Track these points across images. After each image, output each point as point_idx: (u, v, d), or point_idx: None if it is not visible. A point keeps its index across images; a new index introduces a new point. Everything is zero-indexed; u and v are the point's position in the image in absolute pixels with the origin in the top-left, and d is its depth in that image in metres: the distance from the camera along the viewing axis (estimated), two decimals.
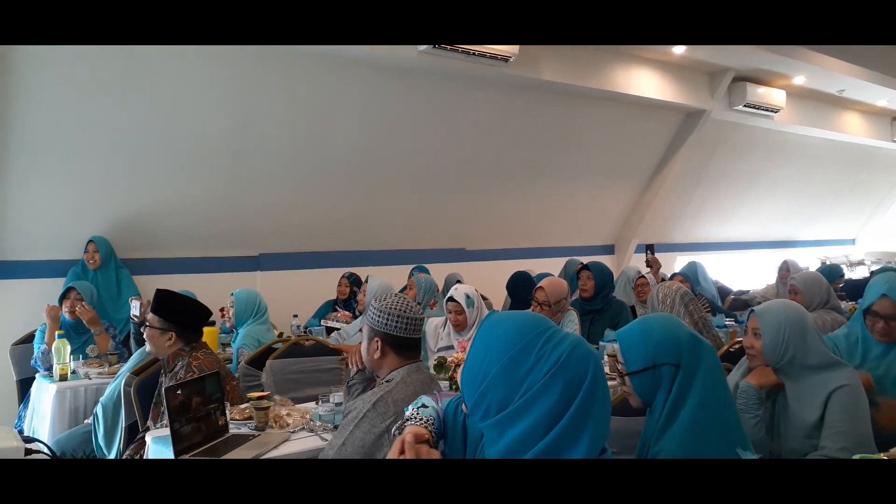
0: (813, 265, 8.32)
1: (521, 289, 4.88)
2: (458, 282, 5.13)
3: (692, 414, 1.67)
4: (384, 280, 4.44)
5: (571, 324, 3.99)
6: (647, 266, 6.07)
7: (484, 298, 4.59)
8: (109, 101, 4.49)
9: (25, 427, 3.82)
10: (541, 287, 4.00)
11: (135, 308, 3.89)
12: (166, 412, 2.33)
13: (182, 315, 2.92)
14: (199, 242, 5.39)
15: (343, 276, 5.30)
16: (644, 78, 6.74)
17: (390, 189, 6.07)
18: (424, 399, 1.52)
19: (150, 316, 2.91)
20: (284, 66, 4.93)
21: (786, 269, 6.05)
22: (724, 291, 6.59)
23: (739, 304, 6.11)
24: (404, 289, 4.99)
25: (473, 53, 5.20)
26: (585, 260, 4.86)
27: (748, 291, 6.72)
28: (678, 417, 1.69)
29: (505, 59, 5.37)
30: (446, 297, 3.86)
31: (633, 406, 1.85)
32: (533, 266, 6.23)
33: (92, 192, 4.76)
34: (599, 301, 4.49)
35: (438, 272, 5.71)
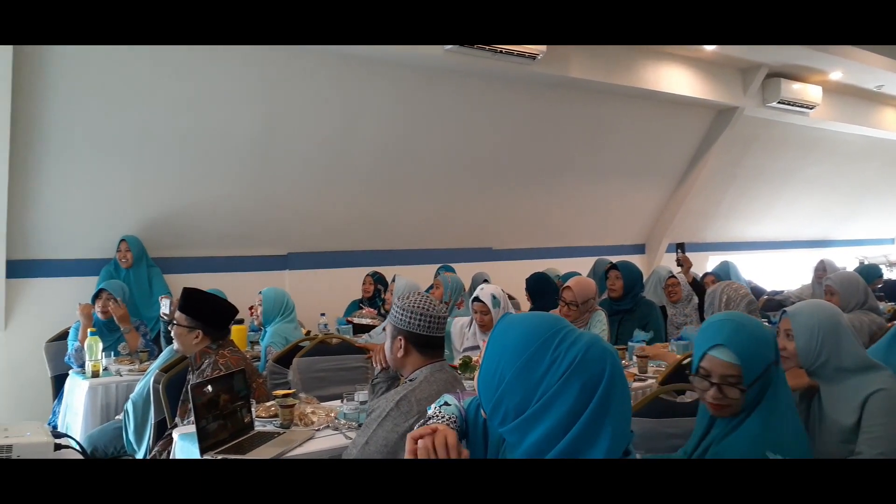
0: (850, 265, 8.11)
1: (541, 290, 4.84)
2: (485, 281, 5.10)
3: (772, 406, 1.67)
4: (411, 280, 4.43)
5: (600, 324, 3.94)
6: (678, 265, 5.98)
7: (511, 298, 4.56)
8: (139, 102, 4.57)
9: (59, 422, 3.89)
10: (568, 287, 3.95)
11: (164, 306, 3.95)
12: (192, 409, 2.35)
13: (209, 313, 2.95)
14: (228, 241, 5.46)
15: (368, 275, 5.32)
16: (675, 75, 6.64)
17: (417, 188, 6.08)
18: (447, 397, 1.50)
19: (177, 314, 2.94)
20: (311, 66, 4.96)
21: (822, 269, 5.91)
22: (757, 292, 6.45)
23: (773, 304, 5.98)
24: (431, 288, 4.99)
25: (500, 51, 5.17)
26: (615, 259, 4.80)
27: (782, 292, 6.58)
28: (754, 412, 1.68)
29: (532, 57, 5.33)
30: (472, 296, 3.84)
31: (718, 415, 1.74)
32: (561, 266, 6.18)
33: (124, 193, 4.85)
34: (628, 301, 4.42)
35: (465, 271, 5.69)
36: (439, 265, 5.97)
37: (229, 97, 4.84)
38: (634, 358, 3.66)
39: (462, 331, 3.93)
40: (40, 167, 4.48)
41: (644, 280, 4.95)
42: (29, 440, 1.95)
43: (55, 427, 3.81)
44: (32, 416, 4.09)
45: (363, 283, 5.31)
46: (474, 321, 3.79)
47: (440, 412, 1.44)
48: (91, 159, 4.61)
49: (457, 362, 3.36)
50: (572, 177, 7.02)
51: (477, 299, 3.73)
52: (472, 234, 6.78)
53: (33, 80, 4.20)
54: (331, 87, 5.13)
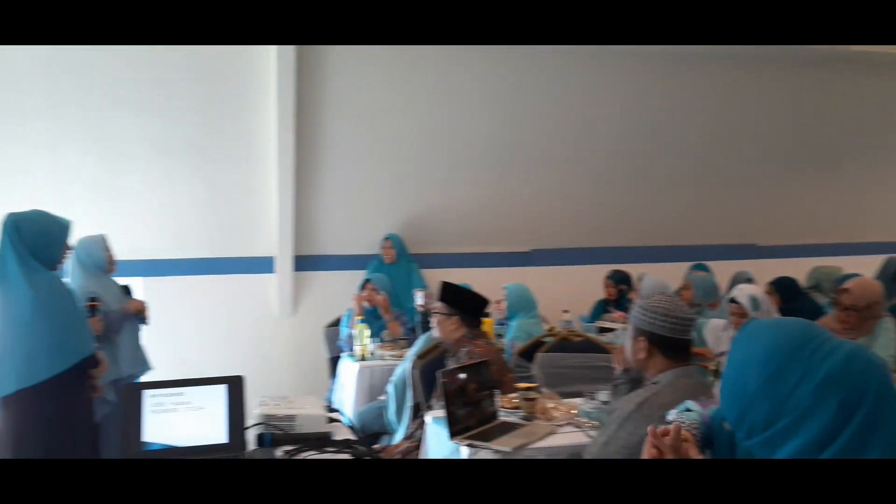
0: None
1: (791, 293, 4.32)
2: (748, 281, 4.68)
3: None
4: (660, 279, 4.24)
5: (887, 332, 3.39)
6: None
7: None
8: (400, 106, 5.01)
9: (335, 399, 4.40)
10: (846, 289, 3.46)
11: (419, 298, 4.27)
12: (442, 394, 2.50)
13: (465, 303, 3.17)
14: (475, 238, 5.74)
15: (606, 277, 5.15)
16: None
17: (666, 179, 5.79)
18: (689, 403, 1.42)
19: (437, 304, 3.19)
20: (550, 64, 5.01)
21: None
22: None
23: None
24: (681, 289, 4.71)
25: None
26: None
27: None
28: None
29: None
30: (728, 296, 3.57)
31: None
32: (842, 264, 5.43)
33: (387, 193, 5.37)
34: None
35: (723, 270, 5.29)
36: (691, 263, 5.61)
37: (476, 99, 5.10)
38: None
39: (718, 334, 3.67)
40: (320, 172, 5.12)
41: None
42: (308, 412, 2.25)
43: (331, 402, 4.32)
44: (314, 391, 4.69)
45: (605, 286, 5.18)
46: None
47: (682, 418, 1.37)
48: (361, 162, 5.17)
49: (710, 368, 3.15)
50: (852, 162, 6.13)
51: (734, 300, 3.46)
52: (731, 228, 6.27)
53: (312, 88, 4.77)
54: (569, 83, 5.14)
